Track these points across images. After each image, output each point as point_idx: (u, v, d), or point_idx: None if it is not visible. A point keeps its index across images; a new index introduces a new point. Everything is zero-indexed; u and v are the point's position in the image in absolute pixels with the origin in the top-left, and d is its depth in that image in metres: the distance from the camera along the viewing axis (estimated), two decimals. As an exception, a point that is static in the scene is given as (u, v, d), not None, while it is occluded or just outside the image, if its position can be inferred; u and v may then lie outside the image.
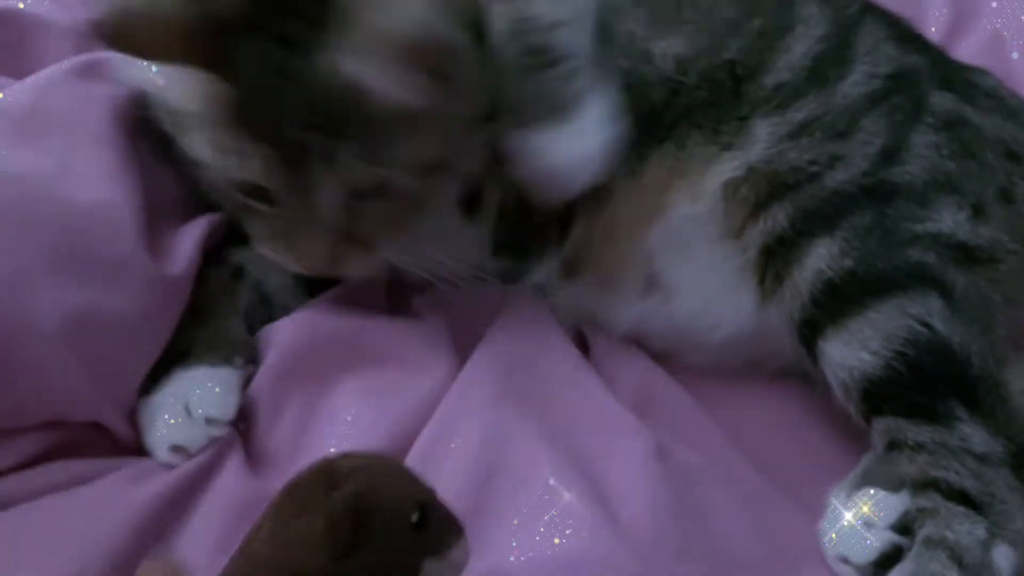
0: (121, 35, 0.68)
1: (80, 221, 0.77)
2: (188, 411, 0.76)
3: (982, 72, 0.98)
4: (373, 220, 0.76)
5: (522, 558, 0.68)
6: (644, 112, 0.89)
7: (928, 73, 0.91)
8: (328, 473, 0.57)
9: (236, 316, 0.86)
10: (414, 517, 0.56)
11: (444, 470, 0.73)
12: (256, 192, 0.75)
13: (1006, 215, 0.85)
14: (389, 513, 0.56)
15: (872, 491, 0.77)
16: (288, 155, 0.71)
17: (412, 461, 0.73)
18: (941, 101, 0.89)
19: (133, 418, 0.78)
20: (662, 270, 0.90)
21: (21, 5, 1.01)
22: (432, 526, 0.57)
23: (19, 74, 0.91)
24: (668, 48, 0.90)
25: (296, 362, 0.81)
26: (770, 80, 0.89)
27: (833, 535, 0.77)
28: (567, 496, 0.70)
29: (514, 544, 0.68)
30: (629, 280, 0.90)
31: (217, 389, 0.78)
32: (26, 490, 0.73)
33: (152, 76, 0.77)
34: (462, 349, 0.84)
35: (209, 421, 0.76)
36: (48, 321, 0.72)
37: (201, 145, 0.75)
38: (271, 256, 0.80)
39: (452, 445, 0.75)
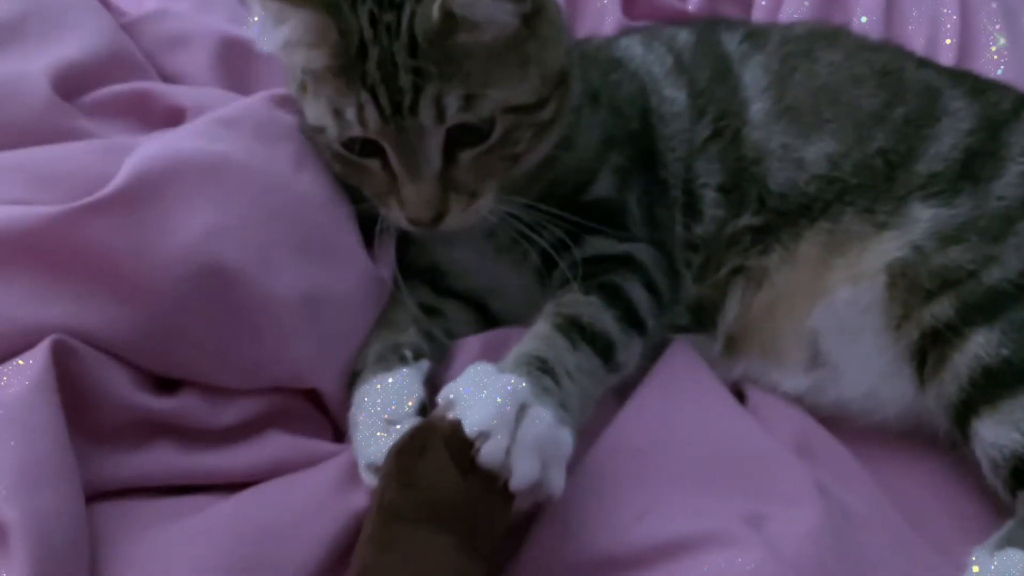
0: None
1: (314, 212, 0.88)
2: (372, 423, 0.79)
3: None
4: (473, 167, 0.85)
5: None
6: (798, 202, 0.98)
7: None
8: (420, 429, 0.71)
9: (406, 327, 0.91)
10: None
11: (605, 501, 0.78)
12: (368, 148, 0.85)
13: None
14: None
15: (1013, 552, 0.80)
16: (399, 102, 0.81)
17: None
18: None
19: (342, 388, 0.86)
20: (827, 351, 0.95)
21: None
22: None
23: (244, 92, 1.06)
24: (819, 151, 0.99)
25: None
26: (923, 168, 0.97)
27: (972, 593, 0.81)
28: (733, 526, 0.75)
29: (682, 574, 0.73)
30: (792, 357, 0.96)
31: (393, 388, 0.82)
32: (243, 464, 0.81)
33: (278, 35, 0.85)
34: (618, 393, 0.89)
35: (391, 423, 0.79)
36: (290, 294, 0.82)
37: (318, 106, 0.85)
38: (384, 213, 0.89)
39: (610, 478, 0.80)
